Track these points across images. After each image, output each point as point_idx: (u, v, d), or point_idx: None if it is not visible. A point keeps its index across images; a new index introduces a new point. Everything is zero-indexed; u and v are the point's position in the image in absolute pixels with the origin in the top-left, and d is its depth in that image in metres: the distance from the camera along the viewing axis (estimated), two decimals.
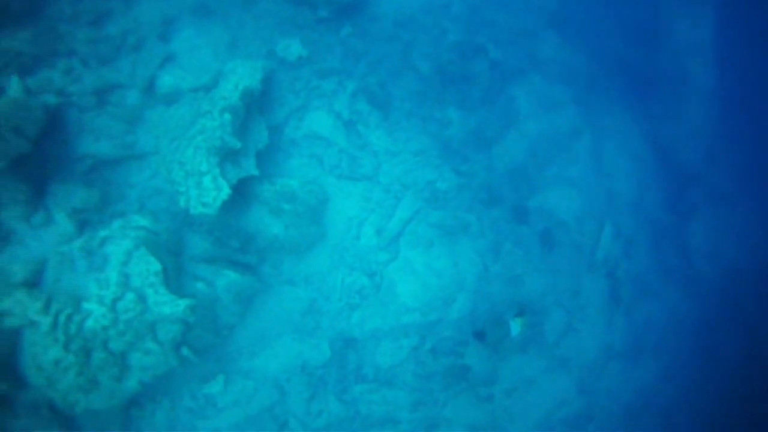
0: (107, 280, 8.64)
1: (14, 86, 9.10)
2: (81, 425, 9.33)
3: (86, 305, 8.50)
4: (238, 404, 9.71)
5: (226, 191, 8.99)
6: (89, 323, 8.45)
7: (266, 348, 9.85)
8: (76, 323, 8.47)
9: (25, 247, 9.21)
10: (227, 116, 9.35)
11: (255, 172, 9.35)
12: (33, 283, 8.89)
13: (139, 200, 9.57)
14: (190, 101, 10.05)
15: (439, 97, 11.19)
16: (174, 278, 8.88)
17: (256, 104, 9.94)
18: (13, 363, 8.70)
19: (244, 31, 11.01)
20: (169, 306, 8.58)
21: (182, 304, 8.58)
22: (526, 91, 12.24)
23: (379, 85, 10.86)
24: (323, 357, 10.03)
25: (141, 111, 10.14)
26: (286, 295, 9.98)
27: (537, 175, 11.91)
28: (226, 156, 9.28)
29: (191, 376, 9.54)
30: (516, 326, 9.64)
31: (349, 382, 10.05)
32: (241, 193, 9.29)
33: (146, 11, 10.69)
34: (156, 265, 8.65)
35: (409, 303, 10.14)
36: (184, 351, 8.86)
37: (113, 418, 9.58)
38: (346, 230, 10.18)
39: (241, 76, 9.94)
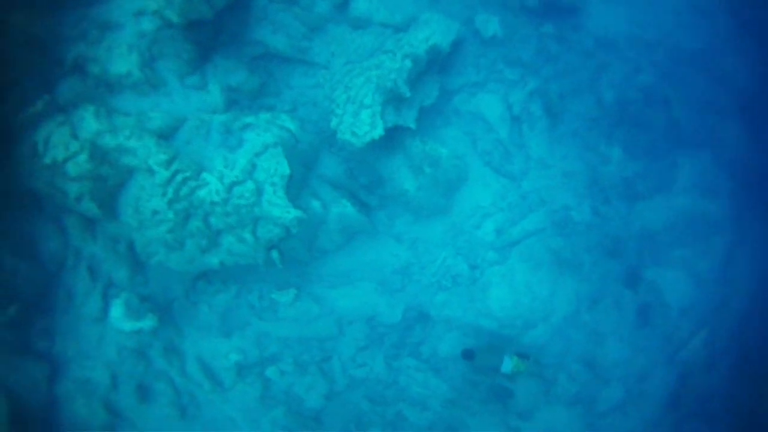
0: (234, 162, 8.10)
1: None
2: (148, 275, 9.05)
3: (206, 176, 8.03)
4: (296, 322, 9.13)
5: (379, 131, 8.21)
6: (201, 193, 7.97)
7: (346, 285, 9.16)
8: (189, 188, 7.99)
9: (171, 101, 8.81)
10: (408, 63, 8.47)
11: (412, 125, 8.54)
12: (165, 135, 8.46)
13: (292, 103, 8.88)
14: (376, 33, 9.25)
15: (610, 131, 9.73)
16: (295, 187, 8.33)
17: (438, 63, 8.98)
18: (114, 196, 8.33)
19: None
20: (280, 210, 7.93)
21: (292, 213, 7.92)
22: (691, 164, 10.52)
23: (558, 94, 9.50)
24: (392, 319, 9.26)
25: (325, 22, 9.35)
26: (387, 248, 9.22)
27: (665, 249, 10.35)
28: (392, 99, 8.46)
29: (268, 278, 9.04)
30: (509, 363, 8.46)
31: (403, 352, 9.31)
32: (390, 138, 8.54)
33: None
34: (285, 168, 8.02)
35: (493, 309, 9.06)
36: (274, 254, 8.22)
37: (179, 282, 9.17)
38: (470, 216, 9.12)
39: (434, 31, 9.00)
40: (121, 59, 8.66)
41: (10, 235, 9.03)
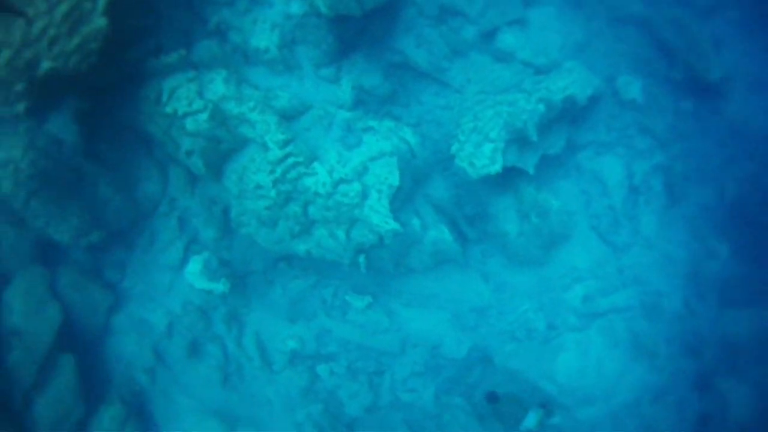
0: (348, 160, 7.86)
1: None
2: (233, 242, 8.87)
3: (317, 166, 7.77)
4: (362, 328, 8.80)
5: (496, 168, 7.80)
6: (308, 181, 7.72)
7: (422, 308, 8.77)
8: (298, 173, 7.73)
9: (301, 87, 8.58)
10: (541, 107, 8.03)
11: (531, 171, 8.09)
12: (287, 117, 8.20)
13: (418, 118, 8.68)
14: (516, 70, 8.90)
15: (723, 226, 8.92)
16: (400, 200, 8.01)
17: (571, 114, 8.41)
18: (223, 160, 8.16)
19: (598, 41, 9.41)
20: (379, 218, 7.62)
21: (391, 224, 7.59)
22: None
23: (682, 175, 8.71)
24: (456, 354, 8.79)
25: (469, 48, 8.99)
26: (472, 284, 8.78)
27: (745, 363, 9.54)
28: (517, 140, 8.03)
29: (347, 279, 8.76)
30: (533, 419, 7.80)
31: (456, 390, 8.87)
32: (505, 176, 8.05)
33: None
34: (395, 179, 7.71)
35: (558, 374, 8.62)
36: (361, 258, 7.91)
37: (261, 257, 8.93)
38: (562, 275, 8.60)
39: (574, 82, 8.53)
40: (263, 34, 8.52)
41: (115, 167, 9.05)
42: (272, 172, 7.63)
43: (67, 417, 9.63)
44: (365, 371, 8.63)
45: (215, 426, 9.05)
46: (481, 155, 7.65)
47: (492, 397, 8.10)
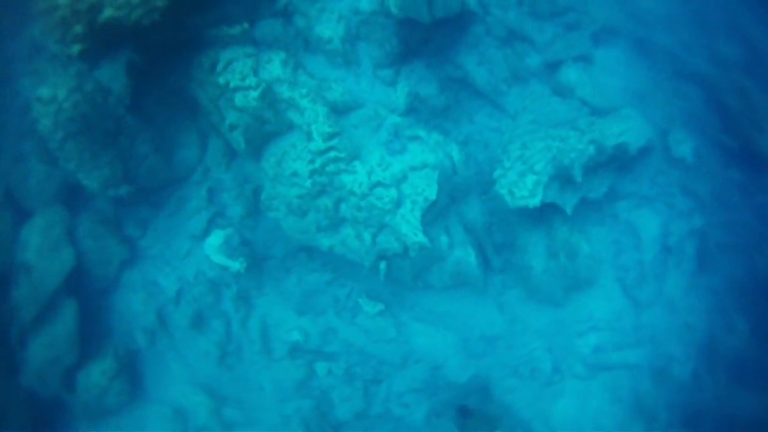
0: (389, 165, 7.91)
1: None
2: (258, 224, 8.93)
3: (357, 165, 7.82)
4: (368, 334, 8.72)
5: (535, 202, 7.76)
6: (345, 178, 7.77)
7: (432, 326, 8.65)
8: (337, 168, 7.78)
9: (356, 83, 8.64)
10: (591, 149, 8.01)
11: (568, 211, 8.01)
12: (337, 110, 8.26)
13: (466, 136, 8.78)
14: (573, 107, 8.89)
15: (750, 304, 8.77)
16: (432, 215, 7.94)
17: (619, 162, 8.25)
18: (264, 140, 8.19)
19: (658, 92, 9.29)
20: (409, 228, 7.66)
21: (419, 237, 7.62)
22: None
23: (718, 244, 8.88)
24: (457, 378, 8.63)
25: (531, 76, 9.03)
26: (487, 311, 8.65)
27: None
28: (561, 177, 7.98)
29: (364, 282, 8.67)
30: None
31: (448, 415, 8.65)
32: (541, 210, 7.97)
33: (598, 5, 9.28)
34: (432, 193, 7.74)
35: (553, 418, 8.60)
36: (382, 265, 7.92)
37: (283, 244, 8.91)
38: (579, 321, 8.60)
39: (629, 130, 8.49)
40: (328, 24, 8.57)
41: (156, 126, 9.13)
42: (311, 162, 7.66)
43: (58, 361, 9.70)
44: (363, 377, 8.56)
45: (202, 400, 9.06)
46: (523, 186, 7.61)
47: (464, 414, 8.06)
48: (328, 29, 8.50)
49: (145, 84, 8.88)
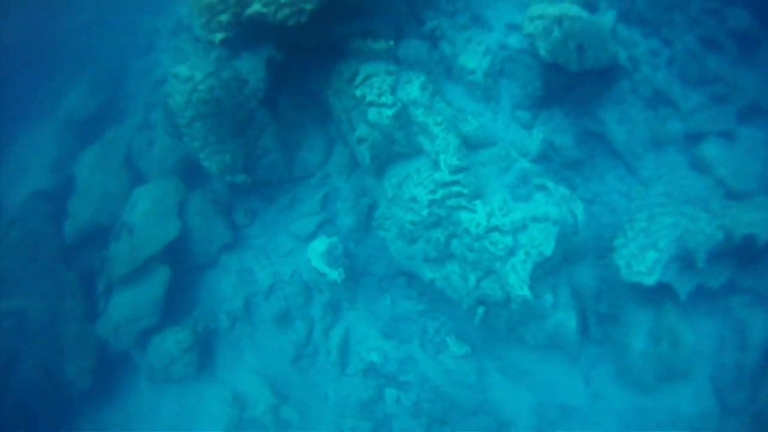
0: (510, 211, 7.76)
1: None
2: (375, 239, 9.07)
3: (478, 205, 7.73)
4: (447, 374, 8.64)
5: (651, 280, 7.47)
6: (463, 215, 7.72)
7: (514, 381, 8.48)
8: (457, 204, 7.76)
9: (492, 119, 8.70)
10: (720, 236, 7.55)
11: (682, 297, 7.68)
12: (468, 144, 8.25)
13: (594, 195, 8.53)
14: (708, 185, 8.34)
15: None
16: (542, 270, 7.77)
17: (744, 254, 7.80)
18: (389, 159, 8.44)
19: None
20: (516, 280, 7.47)
21: (525, 291, 7.41)
22: None
23: None
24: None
25: (669, 144, 8.70)
26: (572, 381, 8.32)
27: None
28: (682, 259, 7.64)
29: (456, 322, 8.65)
30: None
31: None
32: (653, 289, 7.64)
33: (749, 80, 8.67)
34: (548, 249, 7.53)
35: None
36: (480, 310, 7.83)
37: (386, 265, 9.12)
38: (662, 412, 8.08)
39: (760, 221, 7.66)
40: (474, 56, 8.67)
41: (285, 124, 9.46)
42: (433, 192, 7.72)
43: (137, 321, 10.19)
44: (430, 415, 8.50)
45: (265, 394, 9.26)
46: (642, 261, 7.39)
47: None
48: (473, 61, 8.58)
49: (282, 82, 9.25)
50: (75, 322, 11.61)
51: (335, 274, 8.50)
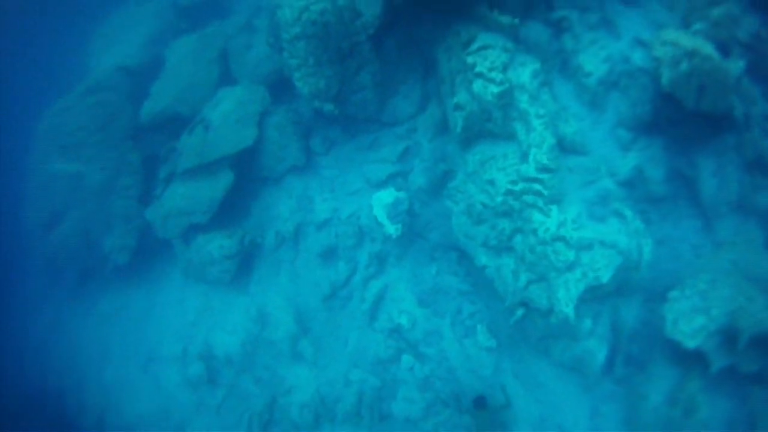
0: (581, 227, 7.69)
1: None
2: (431, 201, 9.39)
3: (554, 210, 7.77)
4: (467, 360, 8.88)
5: (691, 345, 7.39)
6: (535, 216, 7.81)
7: (524, 388, 8.58)
8: (532, 202, 7.87)
9: (591, 129, 8.60)
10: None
11: (713, 371, 7.52)
12: (562, 146, 8.24)
13: (665, 237, 8.37)
14: None
15: None
16: (593, 295, 7.77)
17: None
18: (477, 136, 8.51)
19: None
20: (564, 296, 7.57)
21: (569, 310, 7.50)
22: None
23: None
24: None
25: (755, 215, 8.50)
26: (581, 410, 8.37)
27: None
28: (727, 334, 7.45)
29: (492, 314, 8.81)
30: None
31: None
32: (688, 352, 7.53)
33: None
34: (605, 277, 7.52)
35: None
36: (520, 312, 8.06)
37: (441, 235, 9.35)
38: None
39: None
40: (593, 59, 8.65)
41: (386, 66, 9.63)
42: (513, 182, 7.81)
43: (188, 215, 10.71)
44: (436, 392, 8.81)
45: (288, 321, 9.76)
46: (689, 322, 7.32)
47: (480, 404, 8.11)
48: (591, 63, 8.49)
49: (394, 24, 9.35)
50: (127, 200, 12.33)
51: (393, 229, 8.76)
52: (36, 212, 13.32)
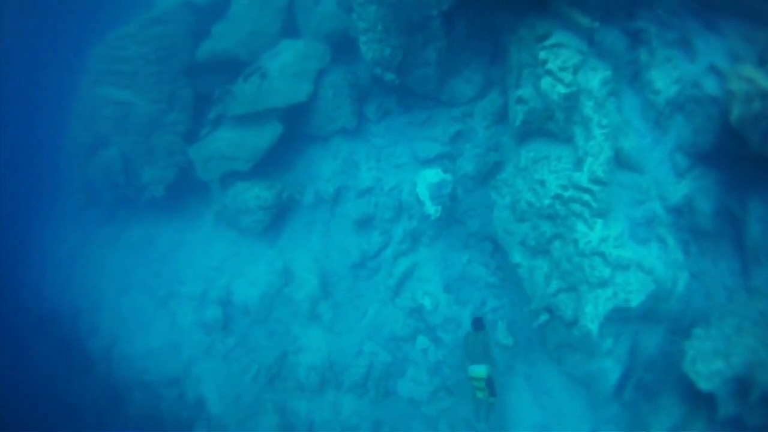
0: (622, 245, 7.75)
1: None
2: (475, 189, 9.58)
3: (598, 223, 7.80)
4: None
5: (704, 387, 7.41)
6: (579, 225, 7.89)
7: (530, 391, 8.78)
8: (579, 211, 7.94)
9: (650, 150, 8.54)
10: None
11: (719, 417, 7.56)
12: (618, 160, 8.19)
13: (700, 271, 8.27)
14: None
15: None
16: (619, 316, 7.83)
17: None
18: (537, 132, 8.58)
19: None
20: (592, 311, 7.67)
21: (593, 327, 7.61)
22: None
23: None
24: None
25: None
26: (581, 424, 8.53)
27: None
28: (742, 383, 7.45)
29: (516, 311, 8.91)
30: (481, 371, 8.14)
31: None
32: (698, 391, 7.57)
33: None
34: (635, 301, 7.61)
35: None
36: (543, 317, 8.26)
37: (480, 224, 9.49)
38: None
39: None
40: (665, 77, 8.56)
41: (453, 46, 9.59)
42: (564, 187, 7.86)
43: (231, 160, 10.95)
44: (443, 380, 9.01)
45: (312, 281, 10.03)
46: (707, 364, 7.33)
47: (478, 325, 8.31)
48: (663, 81, 8.42)
49: (469, 5, 9.33)
50: (173, 135, 12.66)
51: (432, 209, 8.90)
52: (81, 133, 13.72)
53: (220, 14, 12.75)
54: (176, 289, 11.64)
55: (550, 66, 8.19)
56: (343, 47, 10.74)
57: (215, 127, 11.65)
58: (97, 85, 13.31)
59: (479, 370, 8.04)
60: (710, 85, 8.27)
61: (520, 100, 8.45)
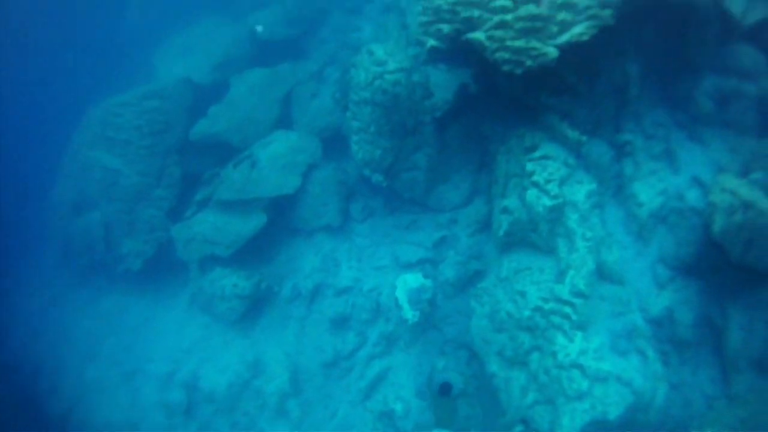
0: (601, 358, 7.71)
1: None
2: (454, 293, 9.59)
3: (578, 336, 7.81)
4: None
5: None
6: (558, 338, 7.88)
7: None
8: (559, 324, 7.98)
9: (633, 261, 8.74)
10: None
11: None
12: (600, 272, 8.32)
13: (680, 382, 8.23)
14: None
15: None
16: (594, 428, 7.59)
17: None
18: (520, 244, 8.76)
19: None
20: (568, 424, 7.52)
21: (573, 430, 7.26)
22: None
23: None
24: None
25: None
26: None
27: None
28: None
29: (488, 420, 8.69)
30: None
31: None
32: None
33: None
34: (613, 415, 7.50)
35: None
36: (518, 428, 7.95)
37: (457, 333, 9.48)
38: None
39: None
40: (649, 190, 8.78)
41: (442, 154, 9.92)
42: (545, 300, 7.96)
43: (212, 244, 11.07)
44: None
45: (283, 377, 9.85)
46: None
47: (445, 390, 8.09)
48: (646, 194, 8.69)
49: (462, 113, 9.75)
50: (157, 210, 12.85)
51: (410, 314, 8.93)
52: (68, 190, 14.07)
53: (219, 96, 13.20)
54: (143, 366, 11.44)
55: (536, 178, 8.44)
56: (334, 143, 11.10)
57: (200, 208, 11.80)
58: (90, 146, 13.69)
59: None
60: (693, 197, 8.55)
61: (505, 210, 8.67)
